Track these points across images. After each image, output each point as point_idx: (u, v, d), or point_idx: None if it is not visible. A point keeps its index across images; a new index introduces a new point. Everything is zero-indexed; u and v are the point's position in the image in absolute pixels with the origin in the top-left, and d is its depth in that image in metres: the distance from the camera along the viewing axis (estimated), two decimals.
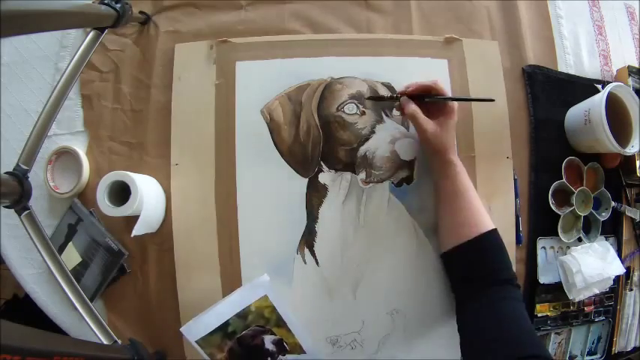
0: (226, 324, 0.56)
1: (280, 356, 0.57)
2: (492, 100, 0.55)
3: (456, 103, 0.54)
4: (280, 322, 0.57)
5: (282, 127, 0.59)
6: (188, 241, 0.58)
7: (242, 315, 0.56)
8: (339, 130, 0.59)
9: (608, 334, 0.65)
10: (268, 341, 0.56)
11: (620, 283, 0.65)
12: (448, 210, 0.54)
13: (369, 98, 0.58)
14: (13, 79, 0.63)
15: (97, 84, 0.62)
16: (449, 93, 0.58)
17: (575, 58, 0.67)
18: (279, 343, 0.56)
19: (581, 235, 0.62)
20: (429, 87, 0.54)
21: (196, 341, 0.55)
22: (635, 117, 0.59)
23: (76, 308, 0.52)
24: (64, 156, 0.60)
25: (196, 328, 0.55)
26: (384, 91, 0.60)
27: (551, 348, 0.63)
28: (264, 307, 0.56)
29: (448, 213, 0.54)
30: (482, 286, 0.50)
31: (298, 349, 0.57)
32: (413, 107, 0.54)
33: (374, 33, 0.63)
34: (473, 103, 0.61)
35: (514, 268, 0.60)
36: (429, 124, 0.53)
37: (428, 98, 0.54)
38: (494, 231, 0.52)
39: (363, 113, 0.59)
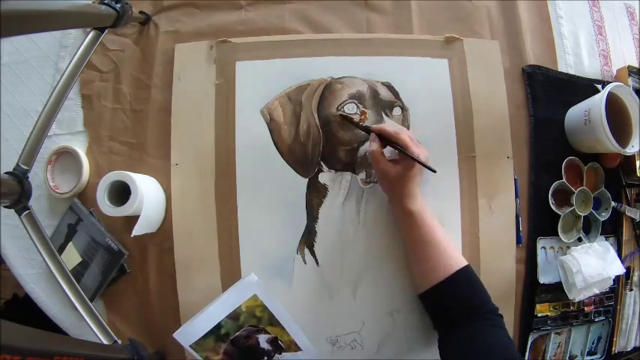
0: (218, 326, 0.55)
1: (277, 355, 0.57)
2: (434, 172, 0.51)
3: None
4: (273, 321, 0.56)
5: (282, 127, 0.59)
6: (188, 241, 0.58)
7: (233, 316, 0.55)
8: (339, 130, 0.59)
9: (608, 334, 0.65)
10: (263, 340, 0.56)
11: (620, 283, 0.65)
12: (415, 258, 0.53)
13: (342, 117, 0.58)
14: (13, 79, 0.63)
15: (97, 84, 0.62)
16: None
17: (575, 58, 0.67)
18: (274, 342, 0.56)
19: (581, 235, 0.62)
20: (392, 135, 0.52)
21: (190, 346, 0.55)
22: (635, 117, 0.59)
23: (76, 308, 0.52)
24: (64, 156, 0.60)
25: (189, 332, 0.55)
26: (384, 91, 0.60)
27: (551, 348, 0.63)
28: (254, 306, 0.56)
29: (416, 261, 0.53)
30: (462, 322, 0.49)
31: (294, 347, 0.57)
32: (375, 147, 0.53)
33: (374, 33, 0.63)
34: (473, 103, 0.61)
35: (514, 268, 0.60)
36: (389, 166, 0.52)
37: (389, 145, 0.53)
38: (467, 267, 0.51)
39: (364, 113, 0.59)
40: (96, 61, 0.62)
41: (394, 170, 0.52)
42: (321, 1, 0.63)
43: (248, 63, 0.60)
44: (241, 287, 0.56)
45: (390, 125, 0.54)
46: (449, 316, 0.51)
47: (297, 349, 0.57)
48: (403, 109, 0.60)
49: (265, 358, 0.57)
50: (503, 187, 0.61)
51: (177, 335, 0.55)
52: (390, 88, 0.60)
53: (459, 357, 0.48)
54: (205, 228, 0.58)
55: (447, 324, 0.51)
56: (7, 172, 0.47)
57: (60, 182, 0.60)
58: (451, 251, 0.51)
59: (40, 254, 0.51)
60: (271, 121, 0.59)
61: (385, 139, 0.53)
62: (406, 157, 0.51)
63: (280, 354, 0.57)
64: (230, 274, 0.58)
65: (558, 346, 0.64)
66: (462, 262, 0.51)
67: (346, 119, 0.57)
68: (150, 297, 0.59)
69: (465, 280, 0.50)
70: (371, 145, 0.53)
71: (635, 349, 0.68)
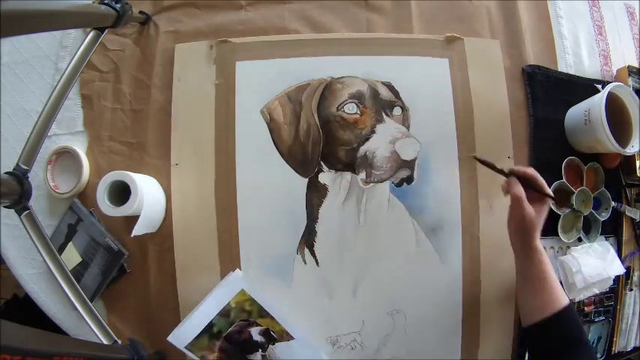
0: (210, 325, 0.56)
1: (271, 345, 0.57)
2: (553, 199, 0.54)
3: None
4: (263, 313, 0.57)
5: (282, 127, 0.59)
6: (188, 241, 0.58)
7: (224, 313, 0.56)
8: (339, 129, 0.59)
9: (608, 334, 0.65)
10: (255, 333, 0.57)
11: (620, 283, 0.65)
12: (529, 290, 0.54)
13: (480, 161, 0.56)
14: (13, 79, 0.63)
15: (97, 84, 0.62)
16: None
17: (575, 58, 0.67)
18: (266, 333, 0.57)
19: (581, 235, 0.62)
20: (533, 177, 0.53)
21: (185, 347, 0.55)
22: (635, 117, 0.59)
23: (76, 308, 0.53)
24: (64, 156, 0.60)
25: (182, 334, 0.55)
26: (384, 91, 0.60)
27: None
28: (243, 300, 0.57)
29: (529, 293, 0.54)
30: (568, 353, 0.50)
31: (286, 336, 0.58)
32: (520, 190, 0.52)
33: (374, 33, 0.63)
34: (474, 103, 0.61)
35: (514, 269, 0.60)
36: (530, 208, 0.52)
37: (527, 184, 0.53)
38: (571, 304, 0.52)
39: (363, 113, 0.59)
40: (96, 61, 0.62)
41: (532, 210, 0.52)
42: (321, 1, 0.63)
43: (248, 63, 0.60)
44: (228, 283, 0.57)
45: (520, 167, 0.54)
46: (556, 346, 0.51)
47: (290, 337, 0.58)
48: (403, 108, 0.60)
49: (259, 350, 0.57)
50: None
51: (171, 338, 0.55)
52: (390, 87, 0.60)
53: None
54: (205, 228, 0.58)
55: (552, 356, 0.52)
56: (7, 172, 0.48)
57: (60, 182, 0.60)
58: (560, 289, 0.52)
59: (40, 254, 0.51)
60: (271, 121, 0.59)
61: (521, 181, 0.53)
62: (538, 195, 0.53)
63: (274, 344, 0.57)
64: None
65: None
66: (567, 300, 0.52)
67: (484, 163, 0.56)
68: (150, 297, 0.59)
69: (574, 312, 0.52)
70: (514, 189, 0.52)
71: (635, 349, 0.68)
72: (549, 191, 0.53)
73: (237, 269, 0.57)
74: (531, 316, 0.52)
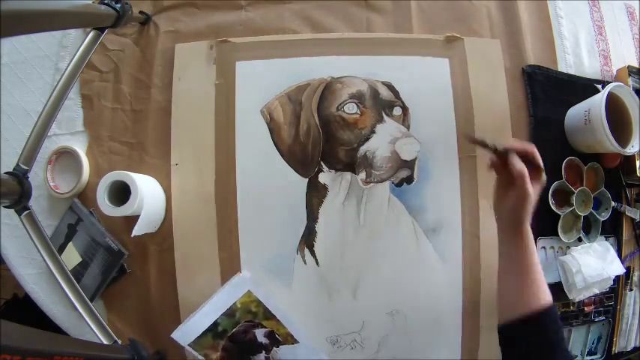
0: (215, 324, 0.56)
1: (275, 348, 0.57)
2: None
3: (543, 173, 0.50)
4: (268, 314, 0.57)
5: (282, 127, 0.59)
6: (188, 240, 0.58)
7: (229, 313, 0.56)
8: (339, 129, 0.59)
9: (608, 334, 0.65)
10: (260, 335, 0.57)
11: (620, 283, 0.65)
12: (515, 279, 0.50)
13: (471, 141, 0.55)
14: (13, 79, 0.63)
15: (97, 84, 0.62)
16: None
17: (575, 58, 0.67)
18: (270, 335, 0.57)
19: (581, 235, 0.62)
20: (532, 154, 0.50)
21: (189, 345, 0.56)
22: (635, 117, 0.59)
23: (76, 308, 0.53)
24: (64, 156, 0.60)
25: (186, 332, 0.55)
26: (384, 91, 0.60)
27: None
28: (249, 302, 0.57)
29: (514, 283, 0.50)
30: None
31: (290, 339, 0.58)
32: (523, 167, 0.48)
33: (374, 32, 0.63)
34: (474, 102, 0.61)
35: None
36: (532, 187, 0.48)
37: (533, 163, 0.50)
38: (555, 307, 0.49)
39: (363, 113, 0.59)
40: (96, 61, 0.62)
41: (532, 190, 0.48)
42: (321, 1, 0.63)
43: (248, 63, 0.60)
44: (235, 284, 0.57)
45: (513, 141, 0.52)
46: (535, 350, 0.48)
47: (294, 341, 0.58)
48: (403, 108, 0.60)
49: (263, 351, 0.57)
50: None
51: (175, 335, 0.55)
52: (390, 87, 0.60)
53: None
54: (205, 228, 0.58)
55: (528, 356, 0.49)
56: (7, 172, 0.48)
57: (60, 182, 0.60)
58: (545, 284, 0.49)
59: (40, 254, 0.51)
60: (271, 121, 0.59)
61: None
62: (537, 171, 0.49)
63: (278, 347, 0.57)
64: (230, 274, 0.58)
65: None
66: (551, 300, 0.49)
67: (476, 142, 0.53)
68: (150, 297, 0.59)
69: (556, 314, 0.49)
70: (517, 165, 0.48)
71: (635, 349, 0.68)
72: (540, 164, 0.49)
73: (245, 270, 0.57)
74: (512, 309, 0.49)
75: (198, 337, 0.56)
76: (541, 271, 0.49)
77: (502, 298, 0.52)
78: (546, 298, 0.48)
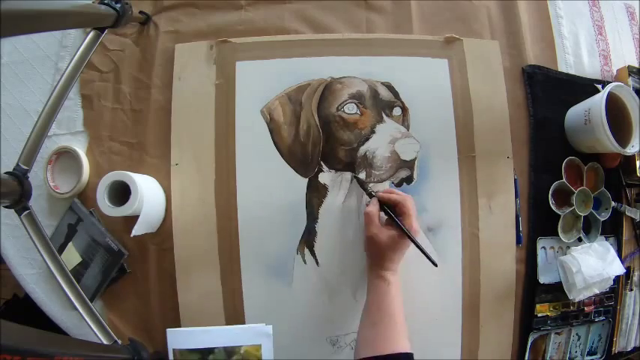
0: (210, 351, 0.55)
1: None
2: (435, 265, 0.50)
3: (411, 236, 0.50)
4: None
5: (282, 127, 0.59)
6: (188, 241, 0.58)
7: (230, 350, 0.55)
8: (339, 129, 0.59)
9: (608, 334, 0.65)
10: None
11: (620, 283, 0.65)
12: (366, 318, 0.50)
13: (355, 177, 0.57)
14: (13, 79, 0.63)
15: (97, 84, 0.62)
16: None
17: (575, 58, 0.67)
18: None
19: (581, 235, 0.62)
20: (397, 201, 0.51)
21: (175, 349, 0.55)
22: (635, 117, 0.59)
23: (76, 308, 0.52)
24: (64, 156, 0.60)
25: (182, 337, 0.55)
26: (384, 91, 0.60)
27: (551, 348, 0.63)
28: (253, 353, 0.55)
29: (369, 326, 0.49)
30: None
31: None
32: (373, 210, 0.51)
33: (374, 33, 0.63)
34: (473, 103, 0.61)
35: (514, 268, 0.60)
36: (382, 233, 0.50)
37: (390, 214, 0.52)
38: (412, 355, 0.47)
39: (363, 113, 0.59)
40: (96, 61, 0.62)
41: (387, 235, 0.50)
42: (321, 1, 0.63)
43: (248, 63, 0.60)
44: (254, 331, 0.56)
45: (396, 194, 0.53)
46: None
47: None
48: (403, 109, 0.60)
49: None
50: (503, 187, 0.61)
51: (170, 332, 0.54)
52: (390, 88, 0.60)
53: None
54: (205, 228, 0.58)
55: None
56: (7, 172, 0.47)
57: (60, 182, 0.60)
58: (404, 333, 0.48)
59: (40, 254, 0.51)
60: (271, 121, 0.59)
61: (387, 206, 0.52)
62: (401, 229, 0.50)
63: None
64: (230, 274, 0.58)
65: (558, 346, 0.64)
66: (409, 349, 0.47)
67: (358, 180, 0.57)
68: (150, 297, 0.59)
69: None
70: (369, 207, 0.52)
71: (635, 349, 0.68)
72: (412, 232, 0.49)
73: (270, 326, 0.56)
74: (363, 349, 0.47)
75: (188, 350, 0.55)
76: (403, 321, 0.49)
77: (364, 338, 0.50)
78: (403, 346, 0.46)
